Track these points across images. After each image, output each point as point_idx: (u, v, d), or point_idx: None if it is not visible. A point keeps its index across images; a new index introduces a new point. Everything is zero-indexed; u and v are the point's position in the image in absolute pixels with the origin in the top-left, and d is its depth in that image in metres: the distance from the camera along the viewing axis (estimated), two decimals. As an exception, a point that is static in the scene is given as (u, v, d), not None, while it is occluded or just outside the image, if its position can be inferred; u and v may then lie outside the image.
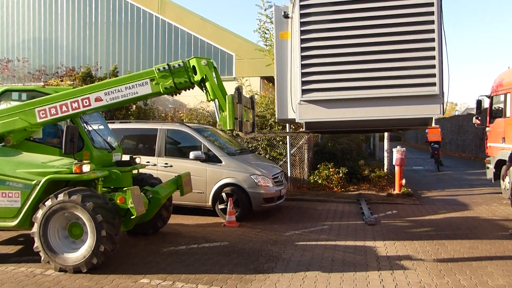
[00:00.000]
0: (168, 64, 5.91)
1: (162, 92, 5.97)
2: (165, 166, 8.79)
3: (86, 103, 5.93)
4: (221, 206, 8.49)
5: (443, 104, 5.18)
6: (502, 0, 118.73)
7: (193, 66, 5.90)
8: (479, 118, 12.47)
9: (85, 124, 6.69)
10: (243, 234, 7.44)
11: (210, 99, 5.92)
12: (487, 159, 12.01)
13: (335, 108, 5.32)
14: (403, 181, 11.79)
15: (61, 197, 5.30)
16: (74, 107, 5.94)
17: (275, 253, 6.27)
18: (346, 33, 5.20)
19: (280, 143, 12.58)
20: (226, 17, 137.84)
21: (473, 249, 6.46)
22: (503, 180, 8.23)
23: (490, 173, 11.70)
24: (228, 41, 16.35)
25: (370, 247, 6.59)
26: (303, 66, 5.29)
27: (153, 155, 8.99)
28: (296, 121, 5.56)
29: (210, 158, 8.61)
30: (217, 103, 5.81)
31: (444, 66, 5.18)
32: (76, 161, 5.61)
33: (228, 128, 5.62)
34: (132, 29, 17.27)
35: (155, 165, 8.84)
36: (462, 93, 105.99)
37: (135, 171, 7.02)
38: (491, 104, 11.72)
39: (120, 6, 17.33)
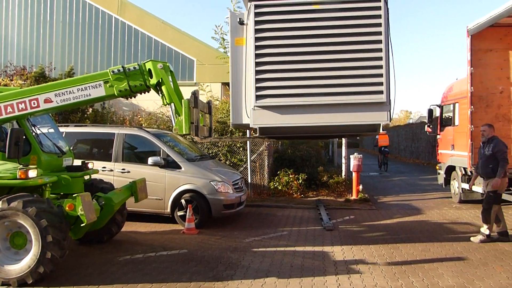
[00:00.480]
0: (123, 67, 5.78)
1: (116, 95, 5.83)
2: (122, 172, 8.56)
3: (34, 104, 5.63)
4: (180, 213, 8.36)
5: (390, 111, 5.41)
6: (452, 13, 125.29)
7: (149, 69, 5.81)
8: (431, 126, 13.05)
9: (33, 127, 6.35)
10: (202, 241, 7.36)
11: (166, 103, 5.86)
12: (438, 165, 12.58)
13: (288, 114, 5.43)
14: (360, 187, 12.10)
15: None
16: (20, 108, 5.61)
17: (235, 260, 6.24)
18: (298, 41, 5.34)
19: (241, 149, 12.58)
20: (188, 22, 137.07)
21: (425, 251, 6.71)
22: (470, 188, 8.64)
23: (441, 178, 12.25)
24: (189, 46, 16.23)
25: (328, 252, 6.70)
26: (257, 72, 5.37)
27: (110, 160, 8.73)
28: (250, 126, 5.62)
29: (169, 164, 8.47)
30: (173, 107, 5.76)
31: (391, 74, 5.42)
32: (21, 166, 5.31)
33: (184, 133, 5.59)
34: (90, 29, 16.77)
35: (111, 170, 8.60)
36: (416, 101, 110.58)
37: (87, 177, 6.77)
38: (441, 113, 12.31)
39: (78, 5, 16.80)
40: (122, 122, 14.73)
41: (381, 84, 5.27)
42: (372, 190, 13.93)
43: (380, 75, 5.27)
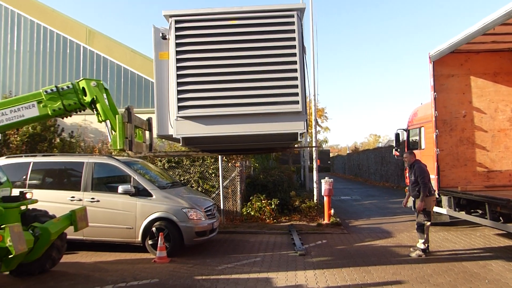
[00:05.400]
0: (56, 86, 5.88)
1: (50, 114, 5.91)
2: (91, 201, 8.36)
3: None
4: (151, 242, 8.20)
5: (306, 120, 5.71)
6: (417, 39, 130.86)
7: (83, 87, 5.89)
8: (398, 150, 13.39)
9: None
10: (174, 270, 7.22)
11: (101, 120, 5.97)
12: (406, 188, 12.83)
13: (210, 124, 5.64)
14: (332, 211, 12.20)
15: None
16: None
17: (207, 288, 6.15)
18: (217, 54, 5.61)
19: (213, 175, 12.55)
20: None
21: (396, 274, 6.80)
22: (404, 205, 9.16)
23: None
24: (159, 73, 16.23)
25: (301, 277, 6.69)
26: (179, 84, 5.58)
27: (79, 190, 8.54)
28: (173, 136, 5.74)
29: (140, 192, 8.35)
30: (108, 124, 5.87)
31: (307, 86, 5.87)
32: None
33: (118, 148, 5.68)
34: (57, 59, 16.60)
35: (80, 200, 8.40)
36: (385, 125, 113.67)
37: (23, 207, 6.59)
38: (408, 137, 12.67)
39: (45, 35, 16.65)
40: (91, 150, 14.47)
41: (297, 94, 5.57)
42: (344, 214, 14.07)
43: (296, 86, 5.57)
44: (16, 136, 12.70)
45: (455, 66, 10.22)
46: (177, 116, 5.57)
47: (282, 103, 5.56)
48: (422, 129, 11.45)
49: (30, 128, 12.91)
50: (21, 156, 9.45)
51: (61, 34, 16.61)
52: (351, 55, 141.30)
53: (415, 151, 11.95)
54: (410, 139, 12.53)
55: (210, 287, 6.19)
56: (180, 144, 5.89)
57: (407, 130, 12.70)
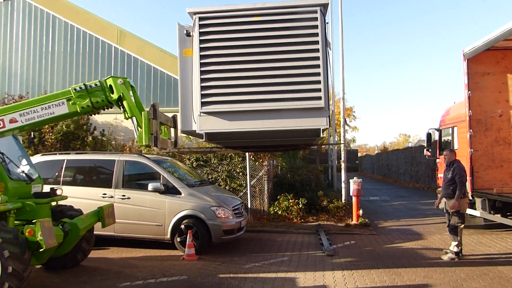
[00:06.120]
0: (84, 84, 6.03)
1: (79, 111, 6.03)
2: (122, 198, 8.55)
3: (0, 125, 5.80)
4: (180, 239, 8.31)
5: (329, 116, 5.62)
6: (449, 37, 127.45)
7: (110, 85, 6.02)
8: (430, 150, 13.07)
9: (1, 155, 6.41)
10: (203, 267, 7.29)
11: (127, 117, 6.06)
12: (438, 189, 12.50)
13: (233, 120, 5.64)
14: (360, 212, 12.03)
15: None
16: None
17: (235, 286, 6.17)
18: (240, 50, 5.60)
19: (240, 174, 12.60)
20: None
21: (427, 278, 6.63)
22: (436, 207, 8.84)
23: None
24: (189, 73, 16.40)
25: (329, 278, 6.63)
26: (202, 80, 5.61)
27: (110, 187, 8.74)
28: (196, 132, 5.77)
29: (169, 190, 8.47)
30: (135, 121, 5.96)
31: (330, 82, 5.73)
32: None
33: (143, 144, 5.76)
34: (90, 59, 17.03)
35: (112, 197, 8.59)
36: (415, 125, 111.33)
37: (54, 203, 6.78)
38: (440, 136, 12.34)
39: (78, 35, 17.11)
40: (122, 148, 14.80)
41: (319, 90, 5.50)
42: (373, 215, 13.85)
43: (318, 82, 5.50)
44: (50, 134, 13.14)
45: (491, 63, 9.88)
46: (200, 112, 5.63)
47: (304, 99, 5.53)
48: (455, 128, 11.13)
49: (64, 126, 13.33)
50: (55, 154, 9.77)
51: (94, 35, 17.03)
52: (380, 52, 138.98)
53: (447, 151, 11.68)
54: (442, 139, 12.21)
55: (238, 285, 6.21)
56: (203, 140, 5.95)
57: (439, 130, 12.38)
